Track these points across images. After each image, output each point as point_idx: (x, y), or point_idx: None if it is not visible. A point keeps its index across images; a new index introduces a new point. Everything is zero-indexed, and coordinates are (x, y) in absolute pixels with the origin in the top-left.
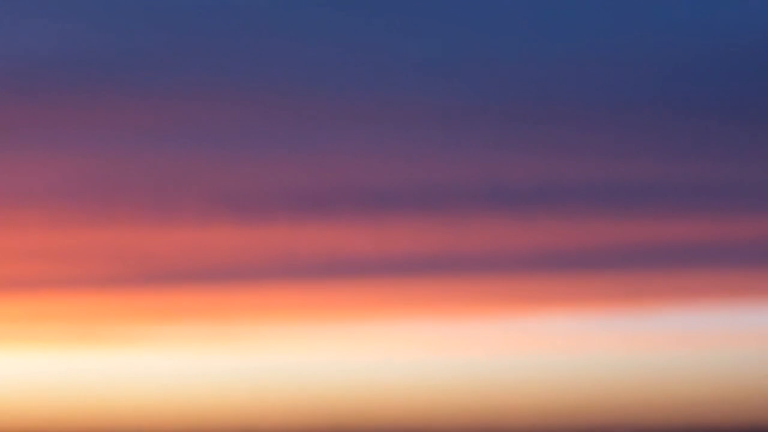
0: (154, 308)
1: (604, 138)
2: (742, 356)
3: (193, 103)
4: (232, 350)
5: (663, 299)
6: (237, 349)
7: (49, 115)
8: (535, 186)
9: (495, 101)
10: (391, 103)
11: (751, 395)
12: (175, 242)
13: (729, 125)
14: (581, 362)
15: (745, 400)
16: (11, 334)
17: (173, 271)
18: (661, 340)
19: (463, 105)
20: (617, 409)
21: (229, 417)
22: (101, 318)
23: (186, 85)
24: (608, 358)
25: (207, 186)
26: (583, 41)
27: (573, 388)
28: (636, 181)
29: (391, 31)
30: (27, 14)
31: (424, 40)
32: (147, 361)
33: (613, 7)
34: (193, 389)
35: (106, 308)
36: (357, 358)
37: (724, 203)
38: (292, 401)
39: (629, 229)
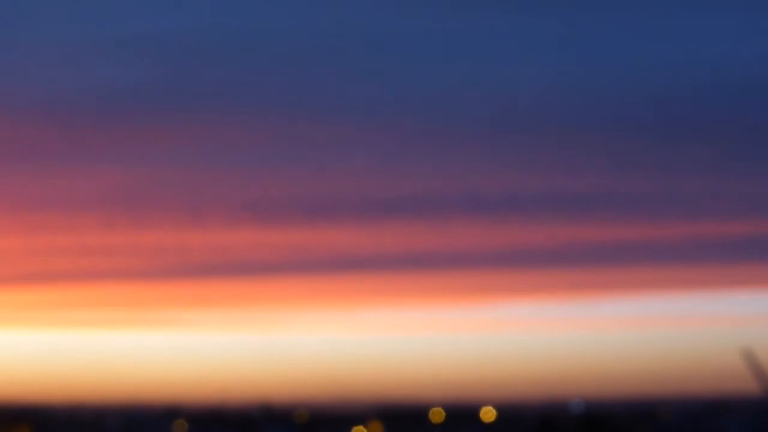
0: (189, 297)
1: (561, 155)
2: (675, 337)
3: (221, 128)
4: (254, 331)
5: (609, 290)
6: (258, 330)
7: (104, 137)
8: (505, 196)
9: (471, 125)
10: (385, 126)
11: (682, 369)
12: (206, 242)
13: (664, 145)
14: (543, 342)
15: (677, 373)
16: (69, 318)
17: (205, 265)
18: (608, 323)
19: (445, 128)
20: (572, 381)
21: (252, 385)
22: (145, 304)
23: (215, 114)
24: (565, 338)
25: (233, 195)
26: (542, 77)
27: (536, 363)
28: (588, 192)
29: (384, 68)
30: (87, 59)
31: (413, 75)
32: (183, 340)
33: (567, 48)
34: (222, 363)
35: (149, 296)
36: (358, 337)
37: (659, 211)
38: (304, 373)
39: (582, 231)
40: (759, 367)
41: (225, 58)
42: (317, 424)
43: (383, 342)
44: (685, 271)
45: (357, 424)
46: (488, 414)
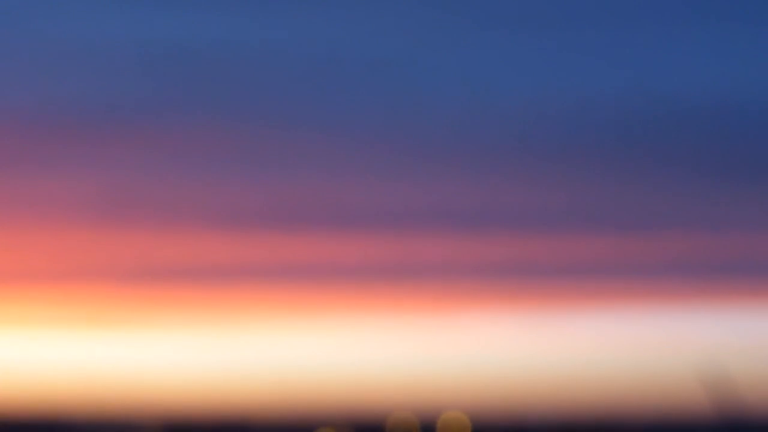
0: (158, 300)
1: (529, 172)
2: (644, 353)
3: (195, 135)
4: (221, 337)
5: (577, 303)
6: (225, 336)
7: (79, 143)
8: (473, 209)
9: (437, 143)
10: (356, 140)
11: (637, 388)
12: (177, 246)
13: (636, 159)
14: (509, 354)
15: (646, 389)
16: (39, 317)
17: (175, 270)
18: (576, 337)
19: (414, 141)
20: (536, 393)
21: (217, 391)
22: (115, 306)
23: (189, 121)
24: (532, 351)
25: (205, 202)
26: (502, 98)
27: (499, 375)
28: (556, 206)
29: (356, 83)
30: (63, 67)
31: (383, 90)
32: (150, 344)
33: (521, 75)
34: (187, 368)
35: (119, 299)
36: (326, 346)
37: (629, 225)
38: (270, 380)
39: (551, 245)
40: (716, 390)
41: (200, 67)
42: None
43: (351, 351)
44: (659, 286)
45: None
46: (448, 425)
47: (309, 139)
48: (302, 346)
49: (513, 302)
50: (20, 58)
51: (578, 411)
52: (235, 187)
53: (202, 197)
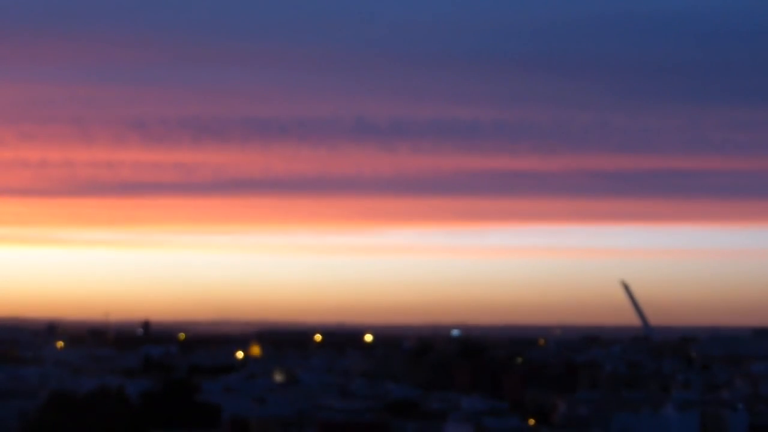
0: (73, 214)
1: (450, 84)
2: (557, 268)
3: (111, 46)
4: (137, 250)
5: (494, 219)
6: (141, 249)
7: None
8: (393, 122)
9: (362, 51)
10: (277, 50)
11: (562, 299)
12: (92, 160)
13: (554, 77)
14: (426, 268)
15: (558, 304)
16: None
17: (90, 183)
18: (491, 252)
19: (335, 53)
20: (454, 308)
21: (133, 304)
22: (30, 221)
23: (104, 32)
24: (448, 265)
25: (121, 113)
26: (433, 6)
27: (418, 289)
28: (476, 121)
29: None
30: None
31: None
32: (65, 257)
33: None
34: (104, 281)
35: (34, 213)
36: (242, 259)
37: (547, 142)
38: (186, 293)
39: (470, 160)
40: (635, 299)
41: None
42: (197, 344)
43: (267, 264)
44: (571, 203)
45: (237, 344)
46: (369, 337)
47: (225, 49)
48: (216, 259)
49: (431, 217)
50: None
51: (503, 321)
52: (148, 97)
53: (114, 108)
